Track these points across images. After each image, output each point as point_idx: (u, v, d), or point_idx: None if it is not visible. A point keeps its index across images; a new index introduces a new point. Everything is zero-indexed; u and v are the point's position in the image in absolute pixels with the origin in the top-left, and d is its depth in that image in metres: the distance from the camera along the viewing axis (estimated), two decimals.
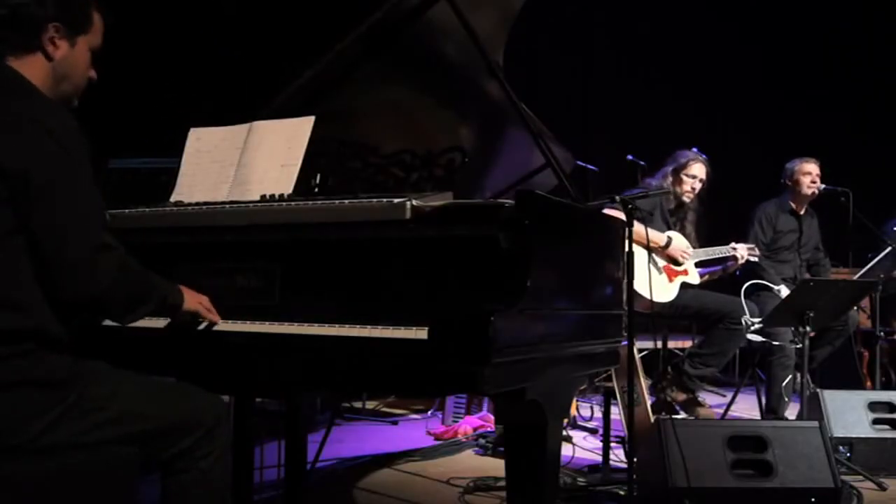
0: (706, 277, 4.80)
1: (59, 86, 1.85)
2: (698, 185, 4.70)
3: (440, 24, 2.56)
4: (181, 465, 1.85)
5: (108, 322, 2.06)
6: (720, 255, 4.78)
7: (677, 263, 4.57)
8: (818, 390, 3.84)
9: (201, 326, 1.98)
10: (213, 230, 2.17)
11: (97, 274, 1.72)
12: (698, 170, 4.69)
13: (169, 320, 1.99)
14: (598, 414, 4.83)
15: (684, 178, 4.68)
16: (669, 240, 4.52)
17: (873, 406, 3.81)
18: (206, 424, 1.86)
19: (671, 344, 4.67)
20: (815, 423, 3.21)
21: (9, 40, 1.78)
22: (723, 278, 4.94)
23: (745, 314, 4.17)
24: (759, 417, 4.54)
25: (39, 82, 1.80)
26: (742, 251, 4.76)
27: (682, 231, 4.71)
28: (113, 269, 1.74)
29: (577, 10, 7.64)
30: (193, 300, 1.96)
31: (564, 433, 4.07)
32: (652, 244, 4.23)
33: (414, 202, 1.91)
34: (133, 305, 1.82)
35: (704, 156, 4.75)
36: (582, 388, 4.55)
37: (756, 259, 4.82)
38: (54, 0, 1.80)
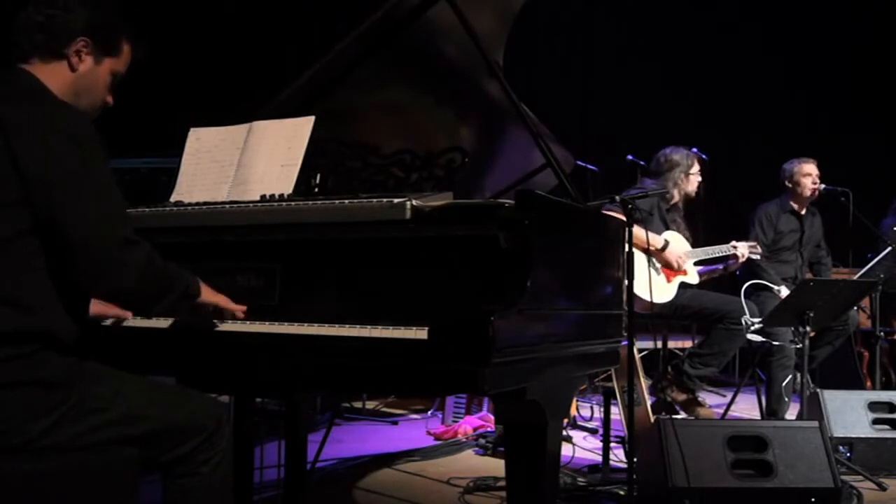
0: (705, 276, 4.80)
1: (77, 99, 1.88)
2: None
3: (440, 24, 2.56)
4: (182, 470, 1.86)
5: (106, 322, 2.06)
6: (721, 254, 4.78)
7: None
8: (818, 390, 3.84)
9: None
10: (213, 230, 2.17)
11: (125, 268, 1.75)
12: (698, 164, 4.73)
13: (173, 320, 1.99)
14: (598, 414, 4.82)
15: (692, 177, 4.70)
16: (667, 243, 4.51)
17: (873, 406, 3.81)
18: (208, 428, 1.87)
19: (671, 344, 4.67)
20: (815, 423, 3.20)
21: (39, 43, 1.83)
22: (723, 277, 4.94)
23: (745, 314, 4.17)
24: (759, 417, 4.54)
25: (59, 90, 1.83)
26: (743, 249, 4.75)
27: (678, 228, 4.71)
28: (141, 262, 1.77)
29: (577, 10, 7.64)
30: (211, 295, 1.96)
31: (564, 433, 4.07)
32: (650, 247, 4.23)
33: (414, 202, 1.91)
34: (160, 297, 1.84)
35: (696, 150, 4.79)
36: (582, 388, 4.56)
37: (757, 256, 4.82)
38: (88, 17, 1.86)
